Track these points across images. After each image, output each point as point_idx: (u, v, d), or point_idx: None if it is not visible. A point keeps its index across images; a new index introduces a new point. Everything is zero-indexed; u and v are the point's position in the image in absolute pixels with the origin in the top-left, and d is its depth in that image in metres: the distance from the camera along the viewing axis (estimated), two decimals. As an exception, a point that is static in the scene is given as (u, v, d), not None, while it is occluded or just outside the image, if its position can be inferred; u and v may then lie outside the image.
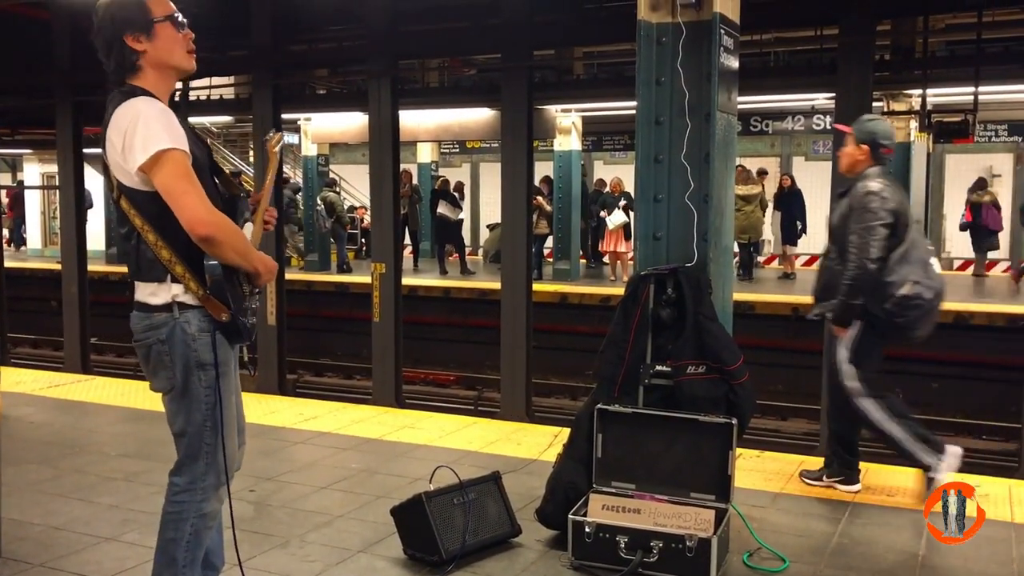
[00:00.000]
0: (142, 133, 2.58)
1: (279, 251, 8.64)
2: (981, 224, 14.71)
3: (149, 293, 2.71)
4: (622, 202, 14.33)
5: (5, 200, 21.36)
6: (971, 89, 9.40)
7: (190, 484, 2.78)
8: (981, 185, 15.14)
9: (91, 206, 18.28)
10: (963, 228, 15.31)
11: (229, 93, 12.94)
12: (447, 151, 21.37)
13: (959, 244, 17.36)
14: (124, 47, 2.69)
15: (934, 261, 4.43)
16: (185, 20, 2.80)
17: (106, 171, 2.72)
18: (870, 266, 4.24)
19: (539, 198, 14.79)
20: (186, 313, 2.70)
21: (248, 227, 2.89)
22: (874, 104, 8.26)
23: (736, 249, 12.05)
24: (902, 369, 11.02)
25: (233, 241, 2.66)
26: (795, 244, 14.97)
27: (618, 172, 16.59)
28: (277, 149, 3.06)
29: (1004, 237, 16.72)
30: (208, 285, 2.67)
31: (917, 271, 4.30)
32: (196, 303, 2.70)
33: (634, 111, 4.18)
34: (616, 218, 14.34)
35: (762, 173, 15.38)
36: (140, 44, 2.69)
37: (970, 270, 16.12)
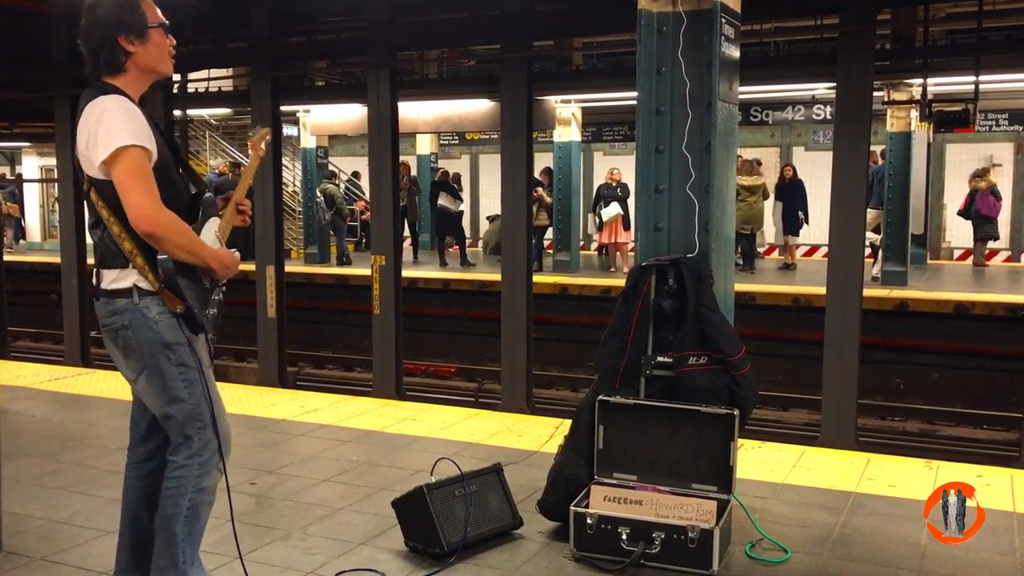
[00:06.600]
0: (105, 129, 2.68)
1: (278, 244, 8.63)
2: (975, 210, 14.71)
3: (111, 280, 2.81)
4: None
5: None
6: (972, 78, 9.36)
7: (187, 460, 2.87)
8: (980, 173, 15.16)
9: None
10: (961, 214, 15.33)
11: (227, 85, 12.91)
12: (446, 142, 21.31)
13: (960, 234, 17.33)
14: (116, 47, 2.79)
15: None
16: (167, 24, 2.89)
17: (76, 164, 2.83)
18: None
19: (539, 189, 14.77)
20: (145, 299, 2.79)
21: (213, 222, 2.94)
22: (875, 93, 8.22)
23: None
24: (904, 359, 11.07)
25: (176, 239, 2.73)
26: (797, 234, 14.95)
27: (618, 163, 16.55)
28: (262, 147, 3.07)
29: (1005, 227, 16.70)
30: (161, 279, 2.75)
31: None
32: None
33: (634, 101, 4.16)
34: (610, 211, 14.36)
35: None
36: (132, 46, 2.79)
37: (971, 260, 16.11)
